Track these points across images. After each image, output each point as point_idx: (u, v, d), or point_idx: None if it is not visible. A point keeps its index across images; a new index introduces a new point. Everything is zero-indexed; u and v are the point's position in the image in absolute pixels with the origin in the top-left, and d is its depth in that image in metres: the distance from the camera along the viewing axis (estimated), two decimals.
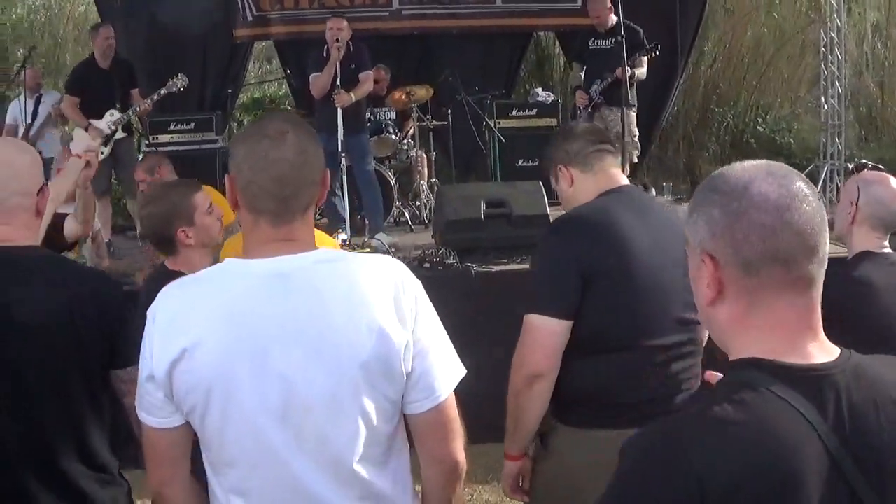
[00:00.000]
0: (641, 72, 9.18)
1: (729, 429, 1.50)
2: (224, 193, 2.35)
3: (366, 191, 8.91)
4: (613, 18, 9.11)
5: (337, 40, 8.50)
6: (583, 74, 9.51)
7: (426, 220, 9.37)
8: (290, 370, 2.09)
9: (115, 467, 2.87)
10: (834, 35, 12.34)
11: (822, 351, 1.61)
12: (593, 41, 9.40)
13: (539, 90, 11.49)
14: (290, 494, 2.16)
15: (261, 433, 2.12)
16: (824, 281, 1.63)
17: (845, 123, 12.50)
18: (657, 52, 8.97)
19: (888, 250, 3.48)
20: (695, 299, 1.71)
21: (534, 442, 3.23)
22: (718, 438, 1.49)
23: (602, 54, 9.21)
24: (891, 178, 3.50)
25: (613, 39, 8.90)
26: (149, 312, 2.19)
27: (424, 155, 10.05)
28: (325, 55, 8.67)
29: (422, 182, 9.82)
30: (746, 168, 1.63)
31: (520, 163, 10.36)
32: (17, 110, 10.33)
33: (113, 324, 2.77)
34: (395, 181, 9.79)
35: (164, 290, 2.23)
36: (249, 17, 12.03)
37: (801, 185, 1.60)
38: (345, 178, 8.49)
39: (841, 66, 12.38)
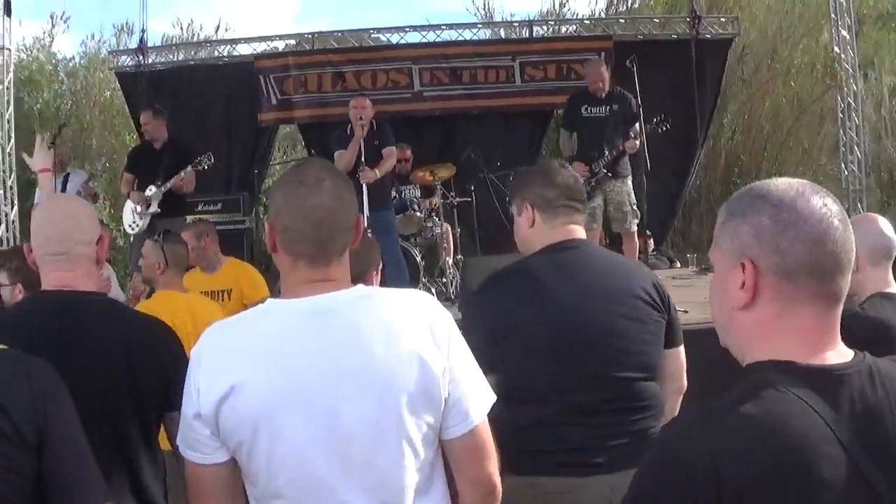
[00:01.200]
0: (638, 143, 8.68)
1: (747, 424, 1.57)
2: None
3: (391, 267, 8.87)
4: (608, 85, 8.97)
5: (361, 118, 8.59)
6: (575, 142, 9.04)
7: (452, 296, 9.40)
8: (335, 402, 2.17)
9: None
10: (851, 101, 12.47)
11: (839, 355, 1.69)
12: (586, 108, 8.95)
13: None
14: None
15: (308, 464, 2.19)
16: (844, 324, 1.72)
17: (866, 189, 12.51)
18: (668, 126, 8.67)
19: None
20: (716, 303, 1.79)
21: None
22: (736, 433, 1.56)
23: (597, 122, 8.83)
24: (872, 214, 3.68)
25: (609, 107, 8.71)
26: (194, 354, 2.28)
27: (449, 231, 10.13)
28: (349, 133, 8.76)
29: (447, 258, 9.89)
30: (792, 183, 1.70)
31: None
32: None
33: (168, 369, 2.87)
34: (421, 258, 9.85)
35: (207, 331, 2.33)
36: (274, 101, 12.29)
37: (838, 206, 1.69)
38: None
39: (859, 132, 12.48)
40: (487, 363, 3.09)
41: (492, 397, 2.40)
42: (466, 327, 3.22)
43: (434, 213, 10.19)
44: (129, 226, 9.24)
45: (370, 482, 2.21)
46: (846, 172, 12.44)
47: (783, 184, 1.71)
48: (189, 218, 10.07)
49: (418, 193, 10.29)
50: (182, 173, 9.17)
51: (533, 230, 3.29)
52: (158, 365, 2.89)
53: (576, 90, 10.03)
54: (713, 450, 1.54)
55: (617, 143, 8.68)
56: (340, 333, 2.21)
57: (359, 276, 3.81)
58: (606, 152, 8.68)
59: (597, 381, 3.07)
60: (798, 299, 1.66)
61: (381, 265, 4.02)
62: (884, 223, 3.58)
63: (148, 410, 2.90)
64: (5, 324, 2.97)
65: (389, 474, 2.23)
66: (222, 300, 7.02)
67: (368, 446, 2.20)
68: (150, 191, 9.14)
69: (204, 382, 2.22)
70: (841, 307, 1.70)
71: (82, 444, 2.38)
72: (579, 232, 3.29)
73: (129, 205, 9.21)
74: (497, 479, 2.41)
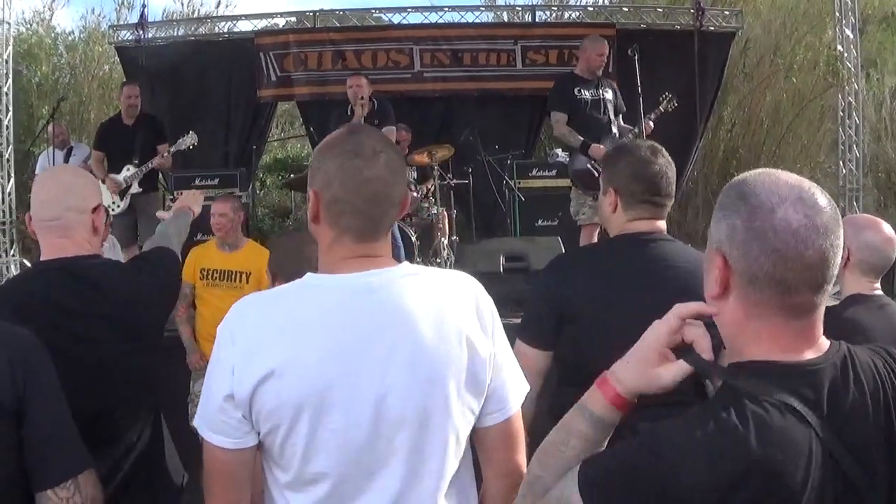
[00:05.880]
0: (652, 125, 8.33)
1: (729, 431, 1.57)
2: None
3: None
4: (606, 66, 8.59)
5: (361, 98, 8.60)
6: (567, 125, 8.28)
7: None
8: (383, 384, 2.08)
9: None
10: (852, 100, 12.44)
11: (815, 350, 1.68)
12: (579, 90, 8.33)
13: (559, 151, 11.47)
14: None
15: (350, 449, 2.09)
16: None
17: (863, 189, 12.51)
18: (675, 104, 8.45)
19: (879, 293, 3.49)
20: (704, 290, 1.78)
21: None
22: (721, 439, 1.56)
23: (595, 105, 8.26)
24: (881, 222, 3.53)
25: (602, 90, 8.28)
26: (224, 332, 2.14)
27: (445, 213, 10.10)
28: (349, 113, 8.76)
29: (443, 239, 9.85)
30: (780, 187, 1.66)
31: (539, 222, 10.44)
32: (46, 162, 10.44)
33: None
34: (417, 238, 9.82)
35: (239, 306, 2.18)
36: (273, 78, 12.27)
37: (825, 217, 1.64)
38: None
39: (859, 131, 12.47)
40: (544, 340, 3.19)
41: (527, 387, 2.33)
42: (533, 298, 3.32)
43: (430, 195, 10.16)
44: (109, 206, 9.11)
45: (413, 469, 2.13)
46: (844, 171, 12.42)
47: (772, 184, 1.67)
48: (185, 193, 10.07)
49: (415, 175, 10.25)
50: (165, 154, 9.17)
51: (614, 215, 3.28)
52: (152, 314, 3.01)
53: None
54: (710, 455, 1.55)
55: (616, 128, 8.37)
56: (389, 313, 2.11)
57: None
58: (634, 128, 8.25)
59: None
60: (764, 306, 1.65)
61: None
62: (888, 238, 3.48)
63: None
64: (7, 294, 3.02)
65: (433, 462, 2.15)
66: (240, 282, 6.95)
67: (415, 432, 2.11)
68: (128, 171, 9.11)
69: (240, 362, 2.08)
70: (818, 314, 1.68)
71: (62, 412, 2.35)
72: (660, 226, 3.25)
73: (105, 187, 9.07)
74: (525, 470, 2.29)
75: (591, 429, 1.82)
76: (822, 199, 1.66)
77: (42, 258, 2.93)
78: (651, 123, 8.25)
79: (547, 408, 3.28)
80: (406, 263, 2.23)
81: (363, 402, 2.07)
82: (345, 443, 2.09)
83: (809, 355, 1.67)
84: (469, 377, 2.14)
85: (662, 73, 10.58)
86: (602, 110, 8.17)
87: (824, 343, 1.70)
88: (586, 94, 8.23)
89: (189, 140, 9.13)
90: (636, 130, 8.13)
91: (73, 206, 2.91)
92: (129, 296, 2.93)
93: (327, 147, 2.22)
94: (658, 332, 1.83)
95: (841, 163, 12.60)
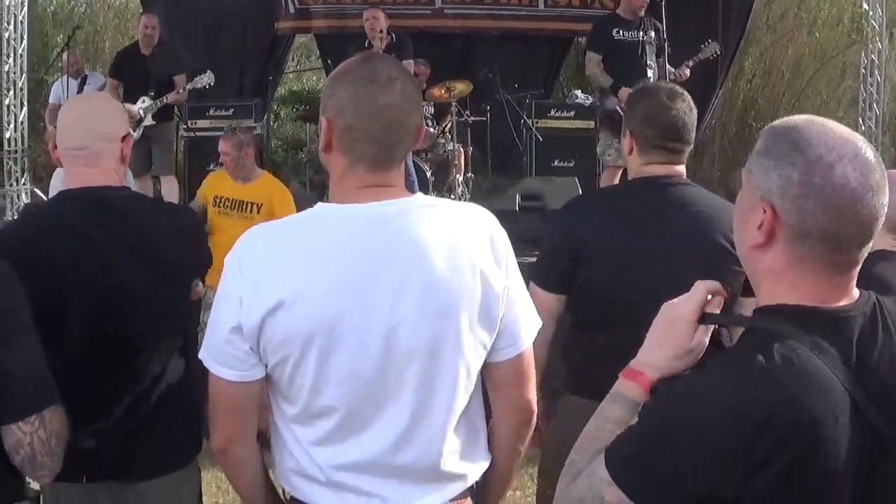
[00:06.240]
0: (688, 72, 8.30)
1: (758, 373, 1.56)
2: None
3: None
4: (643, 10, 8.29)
5: (381, 31, 8.56)
6: (602, 66, 8.22)
7: None
8: (394, 317, 2.05)
9: None
10: (875, 58, 12.41)
11: (847, 299, 1.67)
12: (618, 31, 8.18)
13: (578, 92, 11.48)
14: (382, 442, 2.13)
15: (360, 381, 2.08)
16: None
17: (881, 147, 12.44)
18: (718, 53, 8.39)
19: None
20: (737, 228, 1.77)
21: (550, 398, 3.42)
22: (746, 382, 1.55)
23: (631, 47, 8.12)
24: None
25: (642, 32, 8.10)
26: (232, 261, 2.12)
27: (462, 150, 10.05)
28: (367, 46, 8.68)
29: (458, 176, 9.81)
30: (836, 141, 1.62)
31: (555, 163, 10.39)
32: (60, 90, 10.37)
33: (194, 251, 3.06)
34: (432, 174, 9.80)
35: (247, 236, 2.16)
36: (291, 10, 12.17)
37: (877, 176, 1.63)
38: None
39: (880, 90, 12.44)
40: (558, 283, 3.18)
41: (539, 322, 2.30)
42: (549, 239, 3.33)
43: (447, 131, 10.10)
44: None
45: (422, 402, 2.12)
46: (863, 128, 12.35)
47: (829, 139, 1.62)
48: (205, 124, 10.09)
49: (432, 110, 10.19)
50: (181, 90, 9.20)
51: (631, 157, 3.25)
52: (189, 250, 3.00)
53: (594, 19, 9.67)
54: (723, 400, 1.55)
55: (654, 73, 8.17)
56: (402, 243, 2.07)
57: None
58: (674, 72, 8.14)
59: None
60: (810, 260, 1.63)
61: None
62: None
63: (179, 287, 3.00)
64: (32, 218, 3.07)
65: (442, 396, 2.14)
66: (250, 212, 6.97)
67: (424, 366, 2.09)
68: (143, 102, 9.08)
69: (248, 292, 2.05)
70: (857, 269, 1.67)
71: (30, 347, 2.33)
72: (678, 170, 3.19)
73: None
74: (535, 406, 2.34)
75: (628, 412, 1.81)
76: (872, 155, 1.64)
77: (68, 186, 2.90)
78: (687, 71, 8.19)
79: (560, 352, 3.30)
80: (420, 194, 2.21)
81: (373, 334, 2.06)
82: (354, 375, 2.07)
83: (842, 302, 1.65)
84: (482, 310, 2.12)
85: (686, 21, 10.43)
86: (641, 52, 8.05)
87: (856, 293, 1.68)
88: (626, 36, 8.14)
89: (206, 79, 9.13)
90: (672, 76, 8.02)
91: (102, 135, 2.87)
92: (153, 229, 2.89)
93: (341, 74, 2.18)
94: (686, 308, 1.81)
95: (860, 120, 12.54)
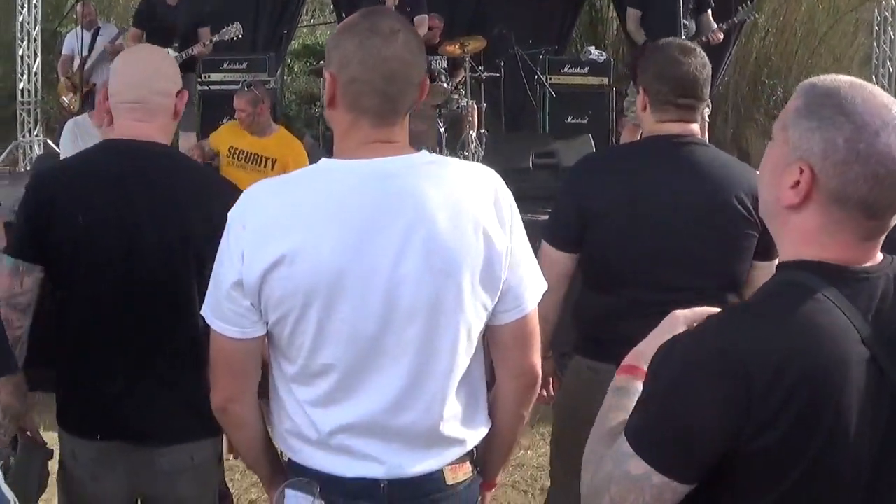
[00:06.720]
0: (721, 35, 8.24)
1: (774, 319, 1.59)
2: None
3: None
4: None
5: None
6: (639, 21, 8.32)
7: None
8: (395, 274, 2.03)
9: None
10: (888, 15, 12.33)
11: (871, 260, 1.68)
12: None
13: (592, 49, 11.40)
14: (380, 403, 2.11)
15: (360, 340, 2.06)
16: None
17: None
18: (755, 15, 8.25)
19: None
20: (765, 184, 1.75)
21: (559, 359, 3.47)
22: (763, 328, 1.58)
23: (667, 2, 7.94)
24: None
25: None
26: (234, 216, 2.11)
27: (475, 105, 10.01)
28: (381, 0, 8.65)
29: (471, 132, 9.77)
30: (880, 108, 1.60)
31: (569, 119, 10.36)
32: (73, 42, 10.32)
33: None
34: (445, 130, 9.77)
35: (251, 191, 2.15)
36: None
37: None
38: None
39: (893, 47, 12.34)
40: (569, 242, 3.17)
41: (545, 285, 2.27)
42: (560, 199, 3.31)
43: (461, 87, 10.09)
44: None
45: (422, 364, 2.10)
46: (876, 86, 12.29)
47: (872, 105, 1.60)
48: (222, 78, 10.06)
49: (445, 65, 10.17)
50: (206, 42, 9.08)
51: (644, 114, 3.23)
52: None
53: None
54: (740, 345, 1.56)
55: (691, 28, 8.06)
56: (404, 200, 2.04)
57: None
58: (714, 28, 8.05)
59: (668, 285, 3.01)
60: (844, 223, 1.63)
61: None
62: None
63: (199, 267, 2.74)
64: (69, 165, 3.01)
65: (442, 357, 2.12)
66: (264, 167, 7.03)
67: (425, 326, 2.07)
68: (169, 54, 8.83)
69: (249, 247, 2.04)
70: (885, 235, 1.68)
71: None
72: (692, 128, 3.18)
73: None
74: (539, 370, 2.30)
75: (632, 401, 1.79)
76: None
77: (115, 136, 2.86)
78: (721, 35, 8.14)
79: (571, 311, 3.31)
80: (425, 151, 2.18)
81: (375, 291, 2.04)
82: (354, 333, 2.06)
83: (864, 263, 1.67)
84: (484, 271, 2.09)
85: None
86: (678, 9, 7.89)
87: (879, 256, 1.70)
88: None
89: (234, 31, 9.02)
90: (710, 34, 7.98)
91: (159, 90, 2.84)
92: (185, 197, 2.79)
93: (343, 28, 2.17)
94: (690, 315, 1.87)
95: (874, 77, 12.47)
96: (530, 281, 2.21)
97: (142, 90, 2.81)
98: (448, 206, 2.06)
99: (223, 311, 2.11)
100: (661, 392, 1.65)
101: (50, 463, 2.93)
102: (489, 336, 2.24)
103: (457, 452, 2.22)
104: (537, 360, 2.28)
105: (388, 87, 2.07)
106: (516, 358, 2.26)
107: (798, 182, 1.63)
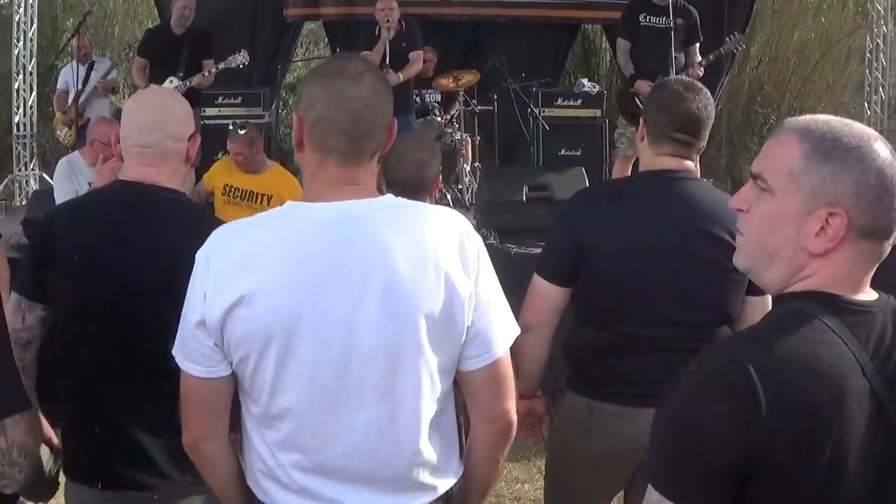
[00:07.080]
0: (702, 72, 8.11)
1: (783, 349, 1.61)
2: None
3: None
4: None
5: (388, 20, 8.59)
6: (629, 54, 8.22)
7: (468, 204, 9.31)
8: (354, 318, 2.04)
9: None
10: (880, 41, 12.41)
11: (867, 294, 1.73)
12: (645, 16, 8.10)
13: (585, 81, 11.44)
14: (344, 448, 2.11)
15: (318, 384, 2.07)
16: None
17: (887, 130, 12.45)
18: (742, 46, 8.29)
19: None
20: (767, 232, 1.74)
21: (551, 396, 3.45)
22: (773, 357, 1.60)
23: (656, 34, 7.99)
24: None
25: (671, 19, 7.92)
26: (201, 256, 2.12)
27: (469, 139, 10.06)
28: (376, 34, 8.77)
29: (465, 166, 9.82)
30: (862, 138, 1.68)
31: (562, 152, 10.38)
32: (68, 75, 10.32)
33: None
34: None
35: (218, 232, 2.17)
36: None
37: None
38: None
39: (886, 74, 12.45)
40: (562, 276, 3.16)
41: (517, 329, 2.26)
42: (553, 233, 3.32)
43: (454, 120, 10.14)
44: None
45: (386, 409, 2.10)
46: (868, 112, 12.39)
47: (879, 147, 1.67)
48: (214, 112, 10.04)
49: (439, 98, 10.22)
50: (212, 70, 9.01)
51: (642, 145, 3.25)
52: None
53: (602, 6, 9.80)
54: (750, 374, 1.58)
55: (680, 61, 8.03)
56: (364, 244, 2.05)
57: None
58: (700, 61, 8.05)
59: (662, 320, 3.05)
60: (868, 253, 1.69)
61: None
62: None
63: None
64: (73, 204, 3.03)
65: (404, 404, 2.11)
66: (260, 203, 7.06)
67: (385, 370, 2.07)
68: (171, 83, 8.87)
69: (212, 287, 2.06)
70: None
71: None
72: (688, 165, 3.18)
73: None
74: (514, 417, 2.28)
75: None
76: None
77: (122, 177, 2.84)
78: (701, 70, 8.05)
79: (561, 346, 3.30)
80: (389, 195, 2.19)
81: (333, 335, 2.05)
82: (314, 376, 2.07)
83: (863, 298, 1.71)
84: (444, 315, 2.08)
85: (693, 5, 10.49)
86: (669, 41, 7.90)
87: (872, 292, 1.74)
88: (653, 21, 8.07)
89: (241, 58, 8.96)
90: (689, 69, 7.95)
91: (171, 134, 2.80)
92: (175, 239, 2.68)
93: (312, 72, 2.25)
94: None
95: (866, 104, 12.60)
96: (500, 326, 2.20)
97: (152, 135, 2.78)
98: (409, 251, 2.06)
99: (189, 350, 2.14)
100: (668, 429, 1.68)
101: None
102: (460, 382, 2.23)
103: (427, 498, 2.22)
104: (511, 405, 2.27)
105: (354, 127, 2.10)
106: (488, 404, 2.25)
107: (826, 229, 1.66)
